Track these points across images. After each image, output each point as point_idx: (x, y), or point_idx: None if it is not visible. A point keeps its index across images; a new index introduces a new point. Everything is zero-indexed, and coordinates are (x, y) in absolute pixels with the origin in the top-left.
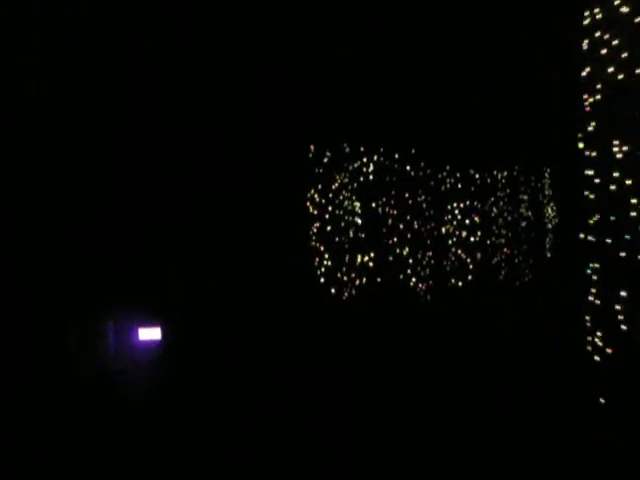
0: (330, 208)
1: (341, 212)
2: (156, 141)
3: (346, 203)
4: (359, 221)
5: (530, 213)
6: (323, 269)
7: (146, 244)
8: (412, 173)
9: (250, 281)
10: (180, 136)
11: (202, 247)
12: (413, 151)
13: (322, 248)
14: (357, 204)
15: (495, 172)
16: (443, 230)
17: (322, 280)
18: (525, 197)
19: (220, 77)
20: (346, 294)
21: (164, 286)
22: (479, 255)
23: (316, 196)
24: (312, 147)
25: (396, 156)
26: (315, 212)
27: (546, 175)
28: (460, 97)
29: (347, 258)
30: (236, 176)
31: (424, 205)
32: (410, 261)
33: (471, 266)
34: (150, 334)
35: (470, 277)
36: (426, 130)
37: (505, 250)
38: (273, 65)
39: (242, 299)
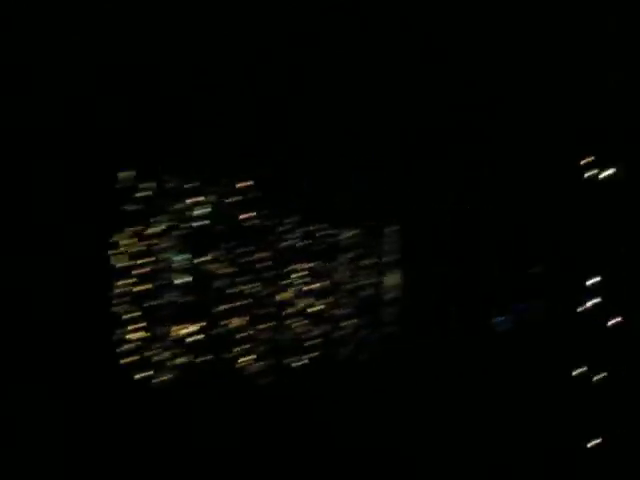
0: (142, 261)
1: (157, 267)
2: None
3: (165, 255)
4: (179, 281)
5: (374, 279)
6: (127, 345)
7: None
8: (246, 223)
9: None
10: None
11: None
12: (250, 196)
13: (127, 316)
14: (179, 257)
15: (343, 229)
16: (282, 296)
17: (124, 361)
18: (367, 261)
19: None
20: (157, 379)
21: None
22: (322, 328)
23: (123, 243)
24: (122, 175)
25: (227, 200)
26: (120, 265)
27: (389, 237)
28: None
29: (161, 330)
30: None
31: (261, 264)
32: (242, 335)
33: (312, 342)
34: None
35: (311, 355)
36: (272, 172)
37: (348, 322)
38: None
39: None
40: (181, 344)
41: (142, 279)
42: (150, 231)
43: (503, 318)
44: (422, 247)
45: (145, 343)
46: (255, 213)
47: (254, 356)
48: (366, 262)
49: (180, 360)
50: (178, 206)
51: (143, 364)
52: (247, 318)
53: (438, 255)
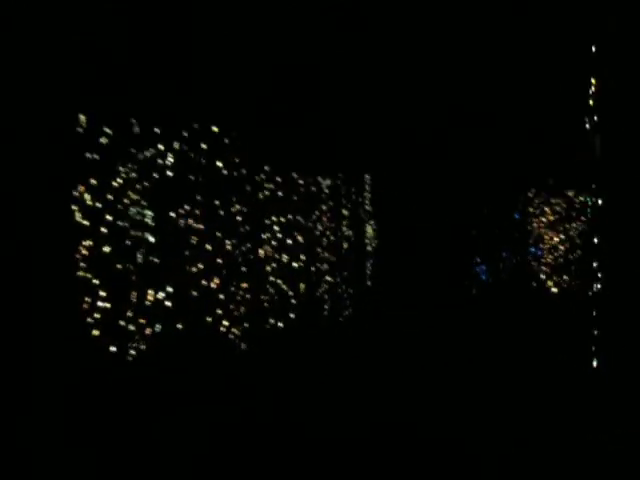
0: (108, 217)
1: (125, 224)
2: None
3: (133, 211)
4: (151, 239)
5: (351, 232)
6: (96, 314)
7: None
8: (225, 172)
9: None
10: None
11: None
12: (226, 141)
13: (95, 280)
14: (148, 213)
15: (319, 179)
16: (261, 253)
17: (95, 332)
18: (346, 212)
19: None
20: (132, 351)
21: None
22: (302, 286)
23: (86, 197)
24: (83, 118)
25: (203, 146)
26: (84, 223)
27: (367, 187)
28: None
29: (134, 296)
30: None
31: (238, 218)
32: (221, 297)
33: (293, 300)
34: None
35: (293, 315)
36: (244, 119)
37: (328, 279)
38: None
39: None
40: (155, 309)
41: (108, 238)
42: (115, 183)
43: (480, 266)
44: (397, 197)
45: (116, 311)
46: (229, 161)
47: (233, 320)
48: (344, 212)
49: (156, 328)
50: (145, 154)
51: (116, 334)
52: (223, 278)
53: (413, 207)
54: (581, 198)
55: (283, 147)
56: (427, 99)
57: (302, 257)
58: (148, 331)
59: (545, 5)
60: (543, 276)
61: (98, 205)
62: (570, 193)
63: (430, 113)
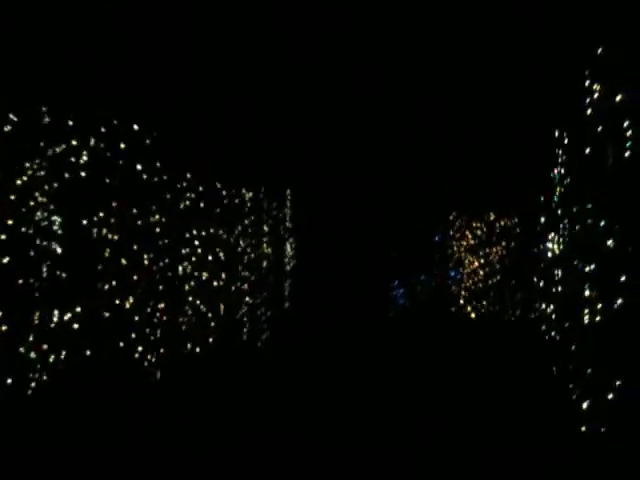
0: (9, 222)
1: (29, 231)
2: None
3: (39, 215)
4: (58, 250)
5: (270, 250)
6: None
7: None
8: (144, 176)
9: None
10: None
11: None
12: (147, 142)
13: None
14: (57, 219)
15: (242, 191)
16: (180, 269)
17: None
18: (266, 228)
19: None
20: (33, 384)
21: None
22: (222, 307)
23: None
24: None
25: (122, 145)
26: None
27: (287, 202)
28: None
29: (35, 317)
30: None
31: (157, 229)
32: (136, 319)
33: (212, 323)
34: None
35: (211, 339)
36: (168, 119)
37: (248, 300)
38: None
39: None
40: (60, 334)
41: (8, 248)
42: (18, 182)
43: (399, 289)
44: (316, 215)
45: (14, 335)
46: (150, 164)
47: (148, 345)
48: (264, 228)
49: (61, 356)
50: (55, 149)
51: (13, 364)
52: (139, 297)
53: (332, 226)
54: (502, 222)
55: (207, 155)
56: (348, 127)
57: (223, 275)
58: (51, 359)
59: None
60: (462, 301)
61: None
62: (491, 216)
63: (350, 139)
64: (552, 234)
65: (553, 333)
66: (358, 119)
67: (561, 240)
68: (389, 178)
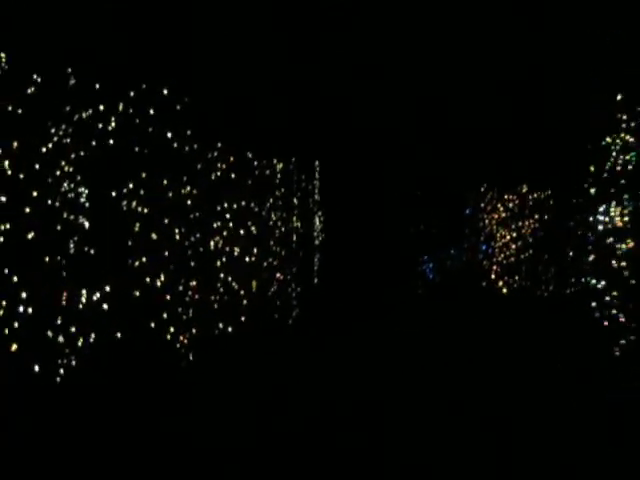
0: (31, 194)
1: (55, 203)
2: None
3: (65, 186)
4: (86, 224)
5: (299, 224)
6: (14, 322)
7: None
8: (174, 144)
9: None
10: None
11: None
12: (178, 108)
13: (14, 278)
14: (84, 190)
15: (274, 161)
16: (212, 244)
17: (14, 346)
18: (296, 202)
19: None
20: (62, 371)
21: None
22: (255, 284)
23: (5, 165)
24: (2, 55)
25: (151, 111)
26: (0, 199)
27: (316, 174)
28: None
29: (62, 296)
30: None
31: (188, 202)
32: (168, 297)
33: (245, 301)
34: None
35: (243, 318)
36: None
37: (279, 276)
38: None
39: None
40: (90, 315)
41: (31, 221)
42: (44, 149)
43: (429, 265)
44: (345, 189)
45: (42, 317)
46: (180, 132)
47: (181, 325)
48: (294, 201)
49: (91, 339)
50: (82, 114)
51: (42, 349)
52: (171, 275)
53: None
54: (535, 195)
55: (237, 123)
56: (380, 98)
57: (254, 251)
58: (81, 343)
59: None
60: (493, 275)
61: (20, 176)
62: (524, 189)
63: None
64: (610, 206)
65: (614, 311)
66: (387, 91)
67: (626, 212)
68: (420, 151)
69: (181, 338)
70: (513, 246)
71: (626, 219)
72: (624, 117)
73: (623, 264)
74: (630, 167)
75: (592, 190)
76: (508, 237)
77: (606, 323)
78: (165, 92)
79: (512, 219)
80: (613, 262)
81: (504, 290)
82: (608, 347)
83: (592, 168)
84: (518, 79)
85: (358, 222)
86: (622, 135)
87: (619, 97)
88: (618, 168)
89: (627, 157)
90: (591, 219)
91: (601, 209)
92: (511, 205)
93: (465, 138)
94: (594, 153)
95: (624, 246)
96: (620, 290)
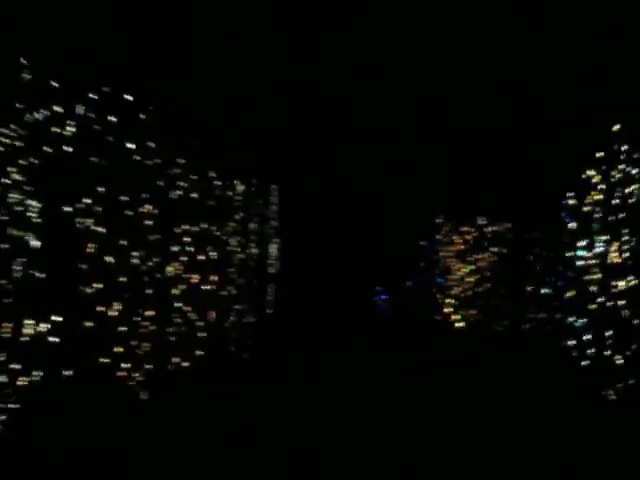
0: None
1: (2, 217)
2: None
3: (13, 198)
4: (36, 243)
5: (257, 250)
6: None
7: None
8: (136, 157)
9: None
10: None
11: None
12: (141, 116)
13: None
14: (33, 204)
15: (235, 182)
16: (169, 271)
17: None
18: (253, 227)
19: None
20: (5, 411)
21: None
22: (213, 315)
23: None
24: None
25: (113, 119)
26: None
27: (274, 198)
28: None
29: (5, 329)
30: None
31: (148, 222)
32: (121, 329)
33: (201, 333)
34: None
35: (199, 352)
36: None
37: (237, 306)
38: None
39: None
40: (34, 347)
41: None
42: None
43: (383, 297)
44: (302, 214)
45: None
46: (142, 144)
47: (135, 360)
48: (251, 226)
49: (34, 373)
50: (35, 114)
51: None
52: (123, 304)
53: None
54: (493, 228)
55: (202, 139)
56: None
57: (213, 278)
58: (22, 381)
59: None
60: (448, 309)
61: None
62: (482, 222)
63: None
64: (595, 240)
65: (609, 353)
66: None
67: (625, 248)
68: (378, 182)
69: (135, 374)
70: (470, 279)
71: (626, 255)
72: (624, 148)
73: (621, 302)
74: (632, 200)
75: (572, 225)
76: (465, 270)
77: (584, 363)
78: (129, 98)
79: (469, 252)
80: (601, 299)
81: (458, 324)
82: (590, 389)
83: (571, 201)
84: (474, 103)
85: (315, 250)
86: (621, 166)
87: (616, 127)
88: (616, 201)
89: (628, 190)
90: (570, 254)
91: (582, 244)
92: (468, 237)
93: (422, 168)
94: (573, 185)
95: (622, 283)
96: (616, 330)
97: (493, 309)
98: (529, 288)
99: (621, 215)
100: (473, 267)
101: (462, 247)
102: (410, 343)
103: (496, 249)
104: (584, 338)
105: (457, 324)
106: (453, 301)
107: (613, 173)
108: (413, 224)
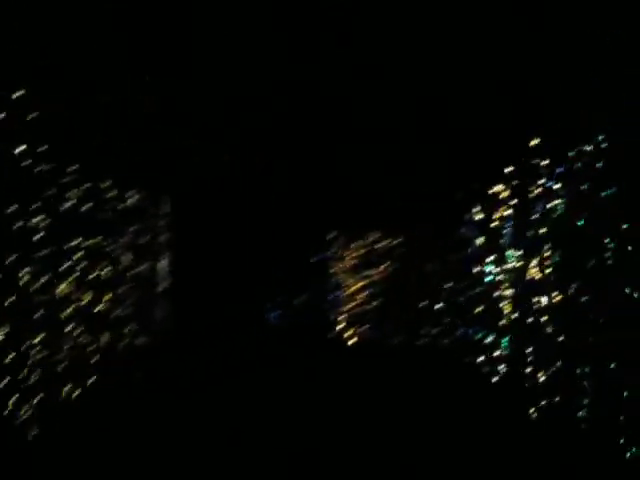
0: None
1: None
2: None
3: None
4: None
5: (148, 266)
6: None
7: None
8: (23, 163)
9: None
10: None
11: None
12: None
13: None
14: None
15: (130, 193)
16: (60, 290)
17: None
18: (146, 240)
19: None
20: None
21: None
22: (105, 338)
23: None
24: None
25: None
26: None
27: (166, 210)
28: None
29: None
30: None
31: (37, 237)
32: (9, 358)
33: (94, 359)
34: None
35: (91, 380)
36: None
37: (129, 328)
38: None
39: None
40: None
41: None
42: None
43: (276, 313)
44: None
45: None
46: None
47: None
48: (144, 240)
49: None
50: None
51: None
52: (13, 328)
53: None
54: (387, 241)
55: (96, 145)
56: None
57: (106, 297)
58: None
59: None
60: (341, 325)
61: None
62: (374, 236)
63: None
64: (508, 256)
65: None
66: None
67: (548, 263)
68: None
69: (22, 410)
70: (363, 294)
71: (547, 271)
72: (544, 163)
73: (544, 319)
74: (554, 215)
75: (479, 240)
76: (358, 285)
77: (495, 379)
78: (14, 96)
79: (361, 267)
80: (514, 315)
81: (350, 341)
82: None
83: (478, 216)
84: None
85: (206, 265)
86: (542, 181)
87: (535, 142)
88: (535, 216)
89: (549, 206)
90: (477, 270)
91: (490, 259)
92: (361, 252)
93: (315, 182)
94: (482, 201)
95: (544, 300)
96: (541, 347)
97: (387, 325)
98: (423, 303)
99: (542, 230)
100: (365, 282)
101: (354, 262)
102: (303, 360)
103: (388, 263)
104: (494, 355)
105: (350, 340)
106: (346, 317)
107: (531, 188)
108: (304, 239)
